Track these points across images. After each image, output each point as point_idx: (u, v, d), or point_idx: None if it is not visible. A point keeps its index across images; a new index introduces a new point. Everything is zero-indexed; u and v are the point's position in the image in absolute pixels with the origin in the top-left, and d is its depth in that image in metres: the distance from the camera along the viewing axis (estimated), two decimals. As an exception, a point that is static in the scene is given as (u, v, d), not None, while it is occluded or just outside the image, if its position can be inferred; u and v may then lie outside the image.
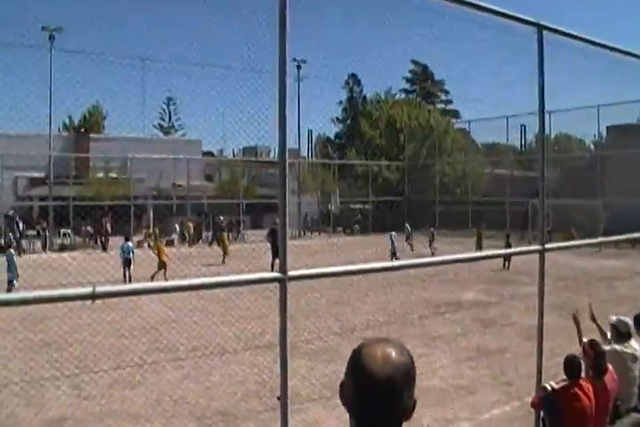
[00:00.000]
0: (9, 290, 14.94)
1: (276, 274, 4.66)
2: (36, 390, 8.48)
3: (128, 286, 4.00)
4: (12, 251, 17.20)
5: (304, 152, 49.21)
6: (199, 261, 23.37)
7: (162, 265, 19.60)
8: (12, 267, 16.01)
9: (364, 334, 11.83)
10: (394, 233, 25.13)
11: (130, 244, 20.55)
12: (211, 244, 34.08)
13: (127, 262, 19.90)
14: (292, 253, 4.95)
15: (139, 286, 4.04)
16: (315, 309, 13.42)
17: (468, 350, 10.47)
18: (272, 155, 50.55)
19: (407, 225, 30.61)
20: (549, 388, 5.01)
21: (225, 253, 25.06)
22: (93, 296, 3.75)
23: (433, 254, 22.98)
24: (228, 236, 35.36)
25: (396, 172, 45.02)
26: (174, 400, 8.12)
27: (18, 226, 30.87)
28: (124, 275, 19.54)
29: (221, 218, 36.91)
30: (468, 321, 12.95)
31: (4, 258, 16.15)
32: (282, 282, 4.68)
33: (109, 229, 32.39)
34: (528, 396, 5.69)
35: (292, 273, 4.71)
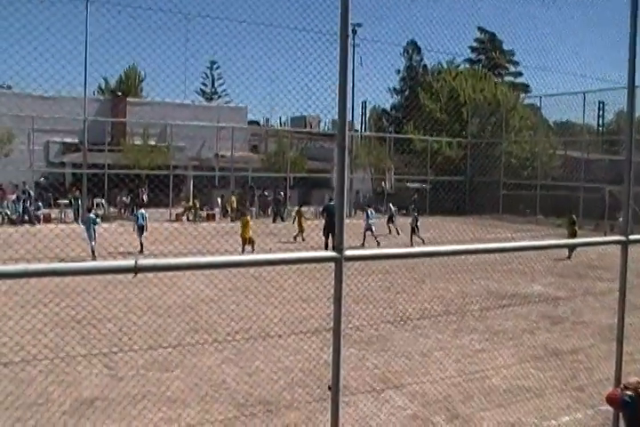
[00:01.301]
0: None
1: (331, 253, 4.57)
2: (63, 368, 8.62)
3: (173, 260, 3.95)
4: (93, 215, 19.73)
5: (357, 125, 48.88)
6: (269, 240, 23.64)
7: (247, 241, 20.50)
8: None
9: (419, 324, 11.72)
10: (371, 209, 25.22)
11: (143, 210, 21.62)
12: (274, 220, 34.15)
13: (140, 230, 20.96)
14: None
15: (185, 261, 3.99)
16: (366, 294, 13.34)
17: (535, 349, 10.25)
18: (322, 126, 50.47)
19: (390, 205, 30.31)
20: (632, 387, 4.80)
21: (301, 230, 25.33)
22: (136, 269, 3.72)
23: (412, 246, 21.73)
24: (275, 211, 35.55)
25: (457, 149, 44.40)
26: (213, 385, 8.16)
27: (29, 196, 31.17)
28: (141, 243, 20.54)
29: (266, 193, 37.08)
30: (534, 316, 12.70)
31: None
32: (338, 262, 4.60)
33: (146, 200, 32.93)
34: (604, 404, 5.50)
35: (348, 253, 4.62)
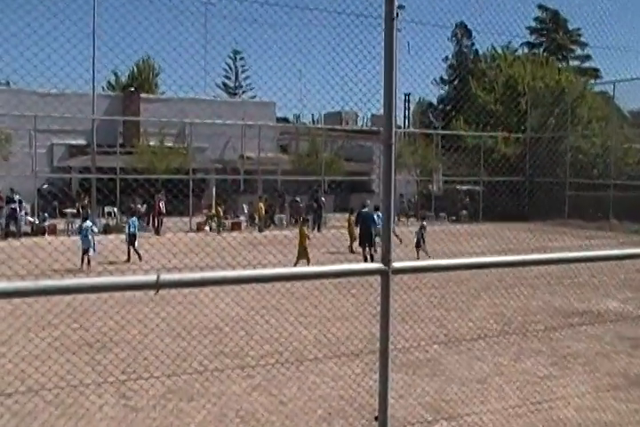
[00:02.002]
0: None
1: (377, 265, 4.60)
2: (74, 398, 8.71)
3: (199, 275, 4.00)
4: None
5: (399, 120, 48.98)
6: (317, 251, 23.86)
7: (303, 253, 21.03)
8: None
9: (475, 346, 11.66)
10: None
11: (135, 218, 23.28)
12: (314, 228, 33.89)
13: (132, 238, 22.39)
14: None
15: (212, 275, 4.04)
16: (412, 311, 13.32)
17: (613, 376, 10.10)
18: (360, 123, 50.59)
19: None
20: None
21: (352, 239, 25.62)
22: (157, 286, 3.77)
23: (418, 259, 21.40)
24: (313, 220, 35.54)
25: (515, 145, 44.09)
26: (241, 416, 8.21)
27: (20, 205, 31.19)
28: (136, 252, 22.18)
29: (297, 199, 37.22)
30: (610, 338, 12.54)
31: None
32: (384, 275, 4.61)
33: (163, 209, 33.23)
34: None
35: (396, 265, 4.63)
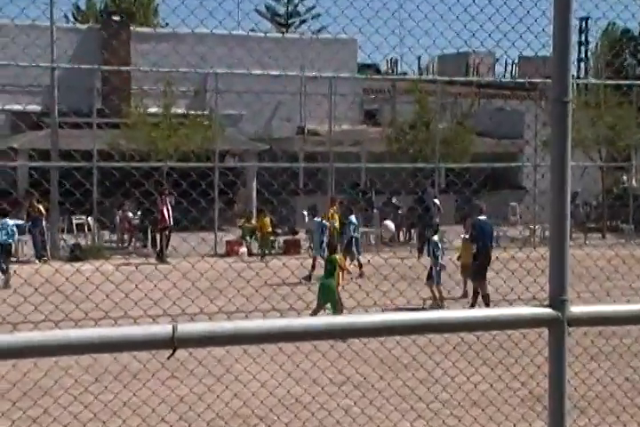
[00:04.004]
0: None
1: (543, 310, 4.61)
2: None
3: (244, 324, 4.17)
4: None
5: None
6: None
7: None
8: None
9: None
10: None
11: (9, 220, 25.70)
12: (421, 251, 33.15)
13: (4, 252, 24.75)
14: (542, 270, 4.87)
15: (261, 325, 4.21)
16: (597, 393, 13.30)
17: None
18: (499, 69, 50.34)
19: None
20: None
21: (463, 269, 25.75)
22: (174, 342, 3.92)
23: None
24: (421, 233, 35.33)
25: None
26: None
27: None
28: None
29: (394, 200, 37.11)
30: None
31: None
32: (555, 325, 4.64)
33: (169, 216, 32.97)
34: None
35: (576, 310, 4.67)
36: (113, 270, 23.86)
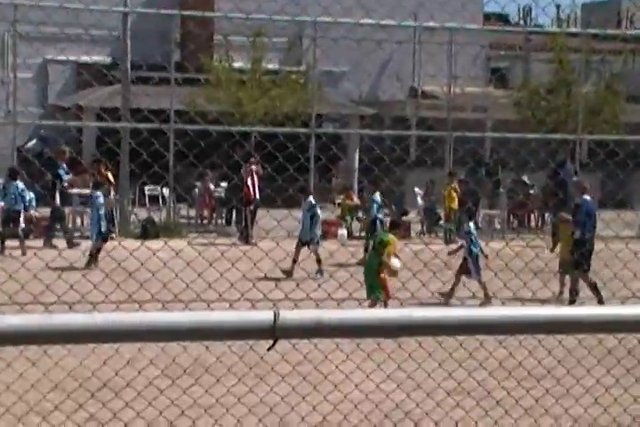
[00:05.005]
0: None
1: None
2: None
3: (367, 313, 4.23)
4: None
5: None
6: None
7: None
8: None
9: None
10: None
11: (19, 184, 28.03)
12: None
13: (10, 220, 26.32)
14: None
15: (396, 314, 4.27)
16: None
17: None
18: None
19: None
20: None
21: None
22: (275, 332, 3.96)
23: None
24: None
25: None
26: None
27: (58, 174, 32.47)
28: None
29: (525, 179, 36.92)
30: None
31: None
32: None
33: (256, 190, 32.91)
34: None
35: None
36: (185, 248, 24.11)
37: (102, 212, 27.44)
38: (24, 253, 27.54)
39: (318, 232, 28.40)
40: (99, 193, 27.98)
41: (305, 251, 27.27)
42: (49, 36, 38.63)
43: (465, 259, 24.77)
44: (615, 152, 29.73)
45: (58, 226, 31.40)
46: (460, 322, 4.33)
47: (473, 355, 13.78)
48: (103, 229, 27.17)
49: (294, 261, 27.04)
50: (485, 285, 23.88)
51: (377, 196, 31.25)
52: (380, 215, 30.43)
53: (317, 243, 27.92)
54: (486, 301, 23.56)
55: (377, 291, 21.62)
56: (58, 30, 38.06)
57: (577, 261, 23.29)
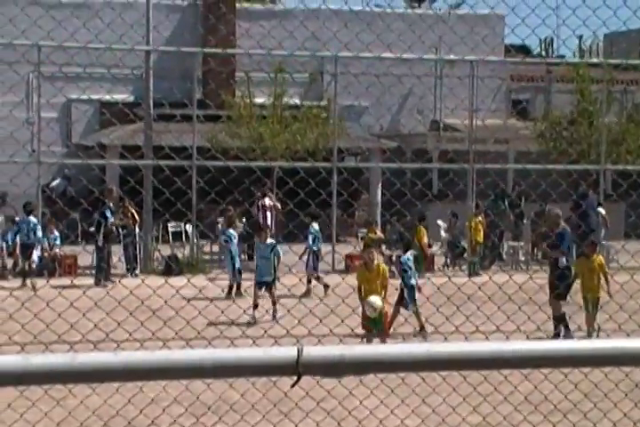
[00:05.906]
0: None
1: None
2: None
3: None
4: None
5: None
6: None
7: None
8: None
9: None
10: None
11: (32, 219, 28.83)
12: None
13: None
14: None
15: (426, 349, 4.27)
16: None
17: None
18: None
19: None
20: None
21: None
22: (298, 368, 3.95)
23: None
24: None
25: None
26: None
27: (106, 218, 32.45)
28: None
29: (551, 209, 36.92)
30: None
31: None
32: None
33: (268, 224, 32.88)
34: None
35: None
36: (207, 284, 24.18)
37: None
38: (34, 288, 27.61)
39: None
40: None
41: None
42: (72, 76, 38.75)
43: (402, 290, 24.87)
44: (638, 183, 29.77)
45: (104, 265, 31.40)
46: (483, 356, 4.31)
47: (498, 389, 13.76)
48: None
49: (255, 306, 25.66)
50: (420, 315, 24.15)
51: (315, 225, 31.43)
52: (314, 247, 30.50)
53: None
54: (422, 332, 23.96)
55: (378, 323, 21.54)
56: (81, 70, 38.43)
57: (561, 289, 23.77)
